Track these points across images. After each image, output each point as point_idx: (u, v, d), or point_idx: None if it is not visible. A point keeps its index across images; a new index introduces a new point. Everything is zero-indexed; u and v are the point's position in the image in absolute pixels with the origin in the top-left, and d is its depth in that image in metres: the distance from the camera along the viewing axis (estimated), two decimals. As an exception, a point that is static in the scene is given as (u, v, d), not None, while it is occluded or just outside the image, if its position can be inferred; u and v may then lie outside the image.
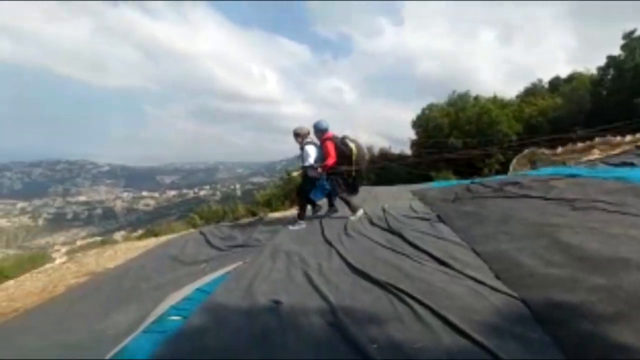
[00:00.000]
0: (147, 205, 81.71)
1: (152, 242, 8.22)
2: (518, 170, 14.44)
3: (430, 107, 31.03)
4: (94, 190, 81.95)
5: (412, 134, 29.21)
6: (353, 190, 5.64)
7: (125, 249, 7.62)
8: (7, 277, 9.96)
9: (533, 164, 15.57)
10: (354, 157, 5.29)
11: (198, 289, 3.14)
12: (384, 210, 5.64)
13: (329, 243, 4.13)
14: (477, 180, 8.63)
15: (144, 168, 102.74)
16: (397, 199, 7.18)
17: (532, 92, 34.85)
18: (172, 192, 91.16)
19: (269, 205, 17.31)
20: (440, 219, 4.85)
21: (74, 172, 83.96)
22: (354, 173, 5.41)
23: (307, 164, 5.36)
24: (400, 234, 4.25)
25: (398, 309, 2.51)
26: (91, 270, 5.63)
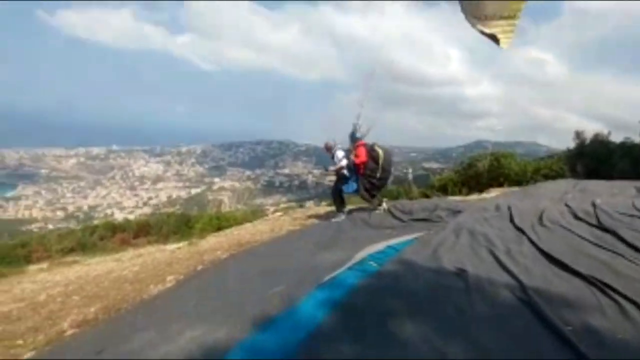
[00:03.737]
0: (331, 181, 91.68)
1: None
2: None
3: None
4: (294, 165, 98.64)
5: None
6: (378, 189, 6.39)
7: (322, 210, 9.18)
8: (241, 223, 13.79)
9: None
10: (380, 161, 6.04)
11: (389, 246, 3.64)
12: (594, 206, 4.73)
13: (520, 230, 3.88)
14: None
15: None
16: (614, 196, 5.80)
17: None
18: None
19: (444, 190, 16.70)
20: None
21: (281, 150, 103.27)
22: (378, 174, 6.12)
23: (342, 163, 6.30)
24: (615, 231, 3.56)
25: (601, 301, 2.26)
26: (301, 222, 7.11)
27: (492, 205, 5.35)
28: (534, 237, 3.57)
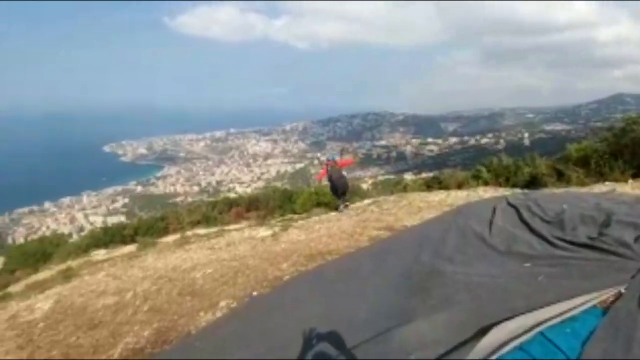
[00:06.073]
0: (431, 150, 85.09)
1: (442, 197, 7.49)
2: None
3: None
4: (391, 136, 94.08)
5: None
6: (335, 193, 8.59)
7: (419, 200, 7.29)
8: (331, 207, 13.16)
9: None
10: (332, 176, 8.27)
11: (542, 334, 1.78)
12: None
13: None
14: None
15: (430, 116, 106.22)
16: None
17: None
18: (454, 139, 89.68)
19: (585, 163, 12.45)
20: None
21: (378, 121, 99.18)
22: (332, 184, 8.36)
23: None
24: None
25: None
26: (389, 223, 5.48)
27: None
28: None
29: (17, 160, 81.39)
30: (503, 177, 12.82)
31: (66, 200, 62.99)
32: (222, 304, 3.99)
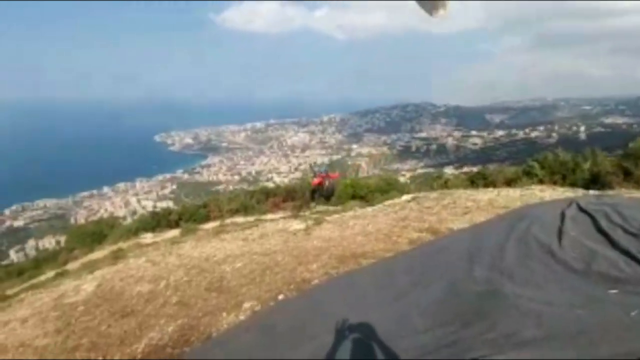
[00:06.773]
0: (475, 143, 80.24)
1: (491, 196, 6.71)
2: None
3: None
4: (431, 128, 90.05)
5: None
6: (324, 198, 10.92)
7: (465, 199, 6.58)
8: (374, 191, 13.19)
9: None
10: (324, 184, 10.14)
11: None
12: None
13: None
14: None
15: (474, 107, 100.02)
16: None
17: None
18: (500, 132, 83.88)
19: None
20: None
21: (418, 113, 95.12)
22: (322, 190, 10.40)
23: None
24: None
25: None
26: (432, 225, 4.90)
27: None
28: None
29: (79, 149, 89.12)
30: (559, 175, 11.43)
31: (122, 185, 67.98)
32: (246, 305, 3.73)
